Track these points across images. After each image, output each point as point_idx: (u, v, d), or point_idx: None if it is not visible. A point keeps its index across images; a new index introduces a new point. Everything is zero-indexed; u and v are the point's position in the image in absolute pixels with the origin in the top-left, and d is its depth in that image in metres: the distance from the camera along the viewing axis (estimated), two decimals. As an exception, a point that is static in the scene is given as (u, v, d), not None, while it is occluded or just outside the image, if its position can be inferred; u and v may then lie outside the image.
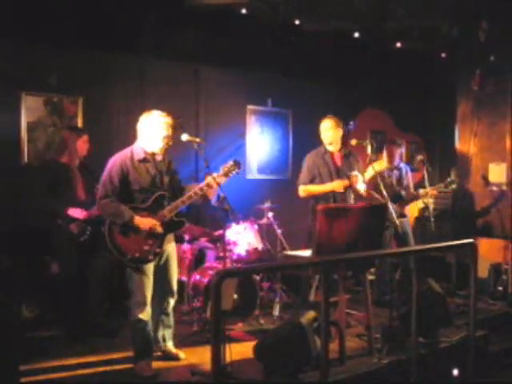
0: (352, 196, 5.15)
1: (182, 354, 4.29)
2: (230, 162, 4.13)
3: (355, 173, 5.02)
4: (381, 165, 6.00)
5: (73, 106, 5.88)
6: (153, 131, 3.99)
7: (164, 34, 6.29)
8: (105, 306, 5.06)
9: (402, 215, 5.84)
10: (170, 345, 4.30)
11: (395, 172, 5.98)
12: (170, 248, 4.20)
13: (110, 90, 6.16)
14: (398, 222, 4.92)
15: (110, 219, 3.92)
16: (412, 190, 6.04)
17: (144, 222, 3.92)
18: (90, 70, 5.96)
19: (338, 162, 5.18)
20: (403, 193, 5.89)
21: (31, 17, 5.42)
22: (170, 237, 4.19)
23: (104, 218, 3.98)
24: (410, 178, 6.10)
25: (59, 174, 4.74)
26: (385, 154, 6.02)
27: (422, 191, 5.91)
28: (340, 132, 5.18)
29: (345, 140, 5.32)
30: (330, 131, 5.14)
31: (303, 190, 5.18)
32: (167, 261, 4.16)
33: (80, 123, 5.87)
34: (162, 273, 4.13)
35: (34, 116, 5.68)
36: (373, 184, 5.33)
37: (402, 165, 6.08)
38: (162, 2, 6.15)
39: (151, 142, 4.02)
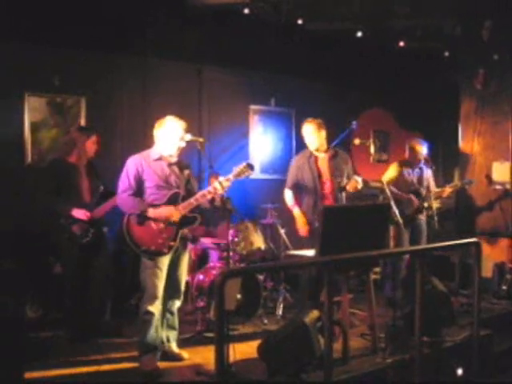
0: (344, 196, 5.12)
1: (185, 353, 4.30)
2: (244, 164, 4.18)
3: (357, 178, 4.98)
4: (401, 165, 6.02)
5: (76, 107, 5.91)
6: (168, 135, 4.12)
7: (167, 34, 6.30)
8: (107, 306, 5.06)
9: (420, 211, 5.87)
10: (173, 346, 4.31)
11: (416, 171, 6.01)
12: (183, 248, 4.25)
13: (112, 90, 6.17)
14: (400, 219, 4.90)
15: (129, 211, 4.06)
16: (434, 189, 6.06)
17: (159, 212, 4.03)
18: (93, 70, 5.98)
19: (324, 166, 5.11)
20: (422, 190, 5.91)
21: (34, 18, 5.44)
22: (185, 235, 4.24)
23: (122, 211, 4.10)
24: (430, 178, 6.11)
25: (66, 173, 4.73)
26: (410, 153, 6.03)
27: (438, 189, 5.96)
28: (323, 134, 5.10)
29: (345, 141, 5.29)
30: (312, 135, 5.07)
31: (287, 195, 5.23)
32: (179, 260, 4.21)
33: (83, 123, 5.88)
34: (172, 271, 4.16)
35: (37, 116, 5.70)
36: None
37: (423, 165, 6.08)
38: (164, 1, 6.16)
39: (167, 146, 4.14)
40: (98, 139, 4.93)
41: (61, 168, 4.76)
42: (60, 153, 4.98)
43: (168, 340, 4.28)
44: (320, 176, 5.06)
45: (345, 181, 5.06)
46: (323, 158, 5.13)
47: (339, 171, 5.09)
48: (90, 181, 4.84)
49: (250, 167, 4.19)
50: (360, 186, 4.95)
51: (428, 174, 6.09)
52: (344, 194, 5.12)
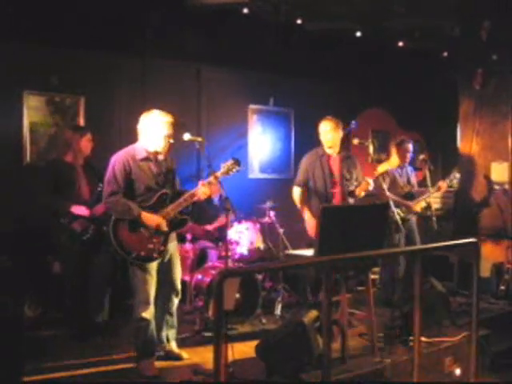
0: (352, 200, 5.16)
1: (184, 353, 4.30)
2: (230, 160, 4.16)
3: (369, 180, 5.00)
4: (389, 165, 6.01)
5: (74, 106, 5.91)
6: (153, 130, 4.02)
7: (166, 34, 6.30)
8: (106, 305, 5.06)
9: (414, 213, 5.86)
10: (173, 345, 4.30)
11: (404, 171, 6.00)
12: (173, 247, 4.22)
13: (111, 90, 6.17)
14: (400, 221, 4.91)
15: (119, 216, 3.95)
16: (416, 188, 6.05)
17: (150, 220, 3.95)
18: (92, 69, 5.98)
19: (336, 165, 5.14)
20: (413, 191, 5.90)
21: (33, 17, 5.43)
22: (173, 235, 4.21)
23: (110, 216, 4.00)
24: (414, 178, 6.12)
25: (63, 172, 4.76)
26: (395, 153, 6.00)
27: (432, 188, 5.94)
28: (340, 134, 5.13)
29: (345, 142, 5.31)
30: (329, 134, 5.08)
31: (295, 193, 5.24)
32: (170, 259, 4.18)
33: (82, 122, 5.88)
34: (165, 272, 4.14)
35: (36, 115, 5.69)
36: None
37: (407, 164, 6.08)
38: (163, 1, 6.15)
39: (153, 142, 4.05)
40: (93, 137, 4.94)
41: (58, 168, 4.79)
42: (57, 153, 5.00)
43: (168, 339, 4.27)
44: (331, 175, 5.09)
45: (354, 185, 5.12)
46: (335, 159, 5.16)
47: (349, 174, 5.14)
48: (89, 178, 4.85)
49: (237, 163, 4.17)
50: (371, 187, 4.98)
51: (412, 173, 6.09)
52: (352, 200, 5.16)
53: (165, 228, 4.01)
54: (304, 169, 5.19)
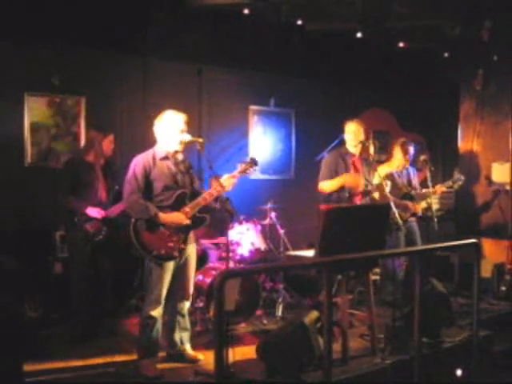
0: (368, 200, 5.25)
1: (200, 355, 4.25)
2: (248, 160, 4.23)
3: (387, 181, 5.12)
4: (390, 166, 6.01)
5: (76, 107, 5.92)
6: (170, 129, 4.07)
7: (167, 34, 6.30)
8: (108, 306, 5.06)
9: (413, 215, 5.87)
10: (187, 347, 4.27)
11: (404, 172, 5.99)
12: (191, 249, 4.22)
13: (112, 90, 6.17)
14: (401, 221, 4.91)
15: (137, 216, 3.98)
16: (419, 190, 6.05)
17: (169, 218, 3.99)
18: (93, 70, 5.98)
19: (358, 165, 5.33)
20: (413, 192, 5.90)
21: (34, 17, 5.43)
22: (192, 237, 4.22)
23: (128, 217, 4.04)
24: (417, 179, 6.12)
25: (82, 171, 4.77)
26: (400, 153, 5.98)
27: (431, 189, 5.91)
28: (364, 135, 5.33)
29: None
30: (357, 132, 5.30)
31: (324, 184, 5.31)
32: (186, 262, 4.17)
33: (83, 123, 5.89)
34: (180, 273, 4.13)
35: (37, 116, 5.70)
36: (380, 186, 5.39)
37: (409, 166, 6.08)
38: (165, 2, 6.16)
39: (171, 140, 4.09)
40: (115, 139, 4.98)
41: (77, 167, 4.80)
42: (77, 152, 5.08)
43: (182, 342, 4.25)
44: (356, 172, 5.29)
45: (370, 186, 5.29)
46: (358, 159, 5.36)
47: (368, 175, 5.35)
48: (106, 180, 4.88)
49: (254, 162, 4.23)
50: (388, 189, 5.08)
51: (414, 174, 6.08)
52: (368, 198, 5.29)
53: (186, 222, 4.02)
54: (327, 166, 5.34)
